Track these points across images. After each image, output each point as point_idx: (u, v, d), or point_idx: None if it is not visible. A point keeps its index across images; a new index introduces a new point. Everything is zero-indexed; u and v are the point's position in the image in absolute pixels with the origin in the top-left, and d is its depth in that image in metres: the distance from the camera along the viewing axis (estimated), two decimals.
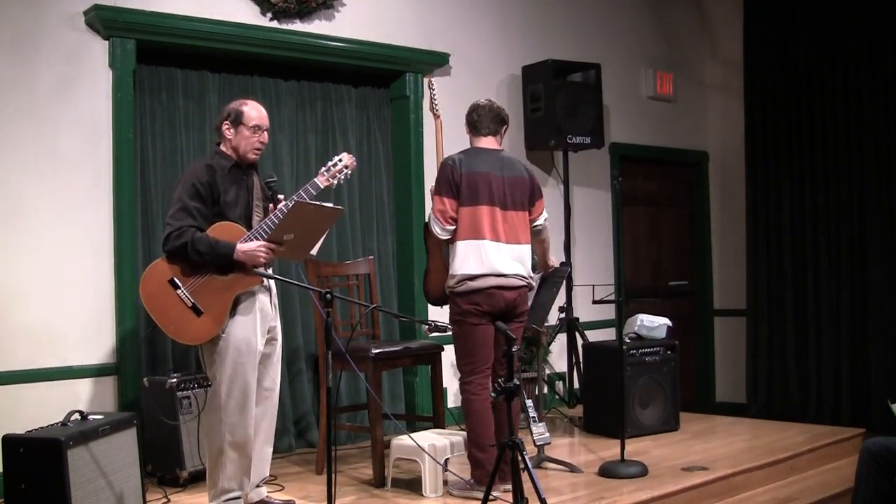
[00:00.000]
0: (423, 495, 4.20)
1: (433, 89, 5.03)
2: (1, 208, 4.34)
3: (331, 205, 3.99)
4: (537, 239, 4.43)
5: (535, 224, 4.35)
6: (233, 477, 3.78)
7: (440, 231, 4.18)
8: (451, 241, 4.19)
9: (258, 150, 3.90)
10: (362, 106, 5.85)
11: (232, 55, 5.19)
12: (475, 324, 4.09)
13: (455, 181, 4.15)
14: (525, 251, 4.24)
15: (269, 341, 3.92)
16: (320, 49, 5.41)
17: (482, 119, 4.27)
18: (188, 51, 5.02)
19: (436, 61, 5.94)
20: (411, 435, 4.25)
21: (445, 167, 4.22)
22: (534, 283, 4.34)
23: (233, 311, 3.76)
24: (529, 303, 4.36)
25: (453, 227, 4.16)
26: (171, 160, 4.97)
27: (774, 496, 4.60)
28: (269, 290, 3.94)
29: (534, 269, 4.45)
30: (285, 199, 3.92)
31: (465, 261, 4.13)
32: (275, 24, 5.25)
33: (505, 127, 4.36)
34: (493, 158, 4.25)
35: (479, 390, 4.13)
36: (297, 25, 5.35)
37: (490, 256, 4.11)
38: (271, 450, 4.03)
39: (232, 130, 3.86)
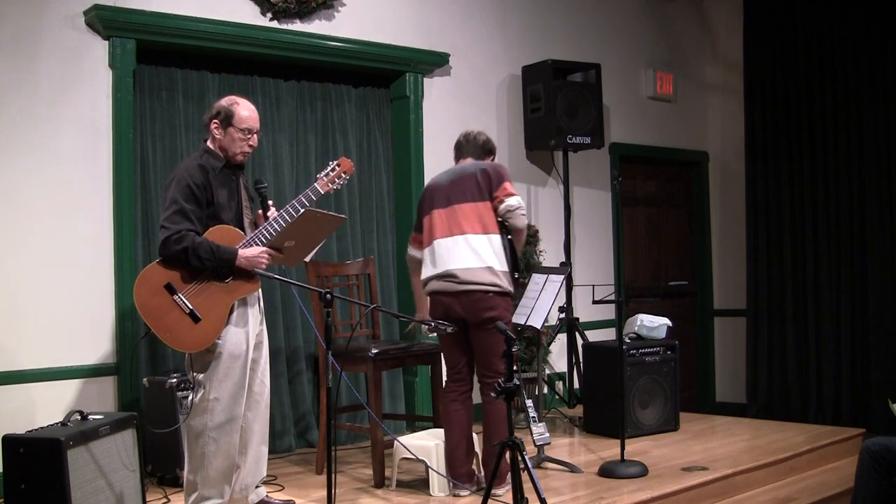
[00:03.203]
0: (429, 495, 4.22)
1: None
2: (1, 208, 4.34)
3: (335, 213, 3.97)
4: (513, 234, 4.21)
5: (500, 209, 4.14)
6: (214, 484, 3.74)
7: (409, 253, 4.42)
8: None
9: (247, 152, 3.84)
10: (362, 106, 5.85)
11: (232, 55, 5.19)
12: None
13: (419, 214, 4.35)
14: (476, 241, 4.09)
15: (257, 346, 3.87)
16: (320, 49, 5.41)
17: (468, 145, 4.38)
18: (188, 51, 5.02)
19: (436, 61, 5.94)
20: (402, 441, 4.27)
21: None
22: (504, 286, 4.08)
23: (227, 318, 3.71)
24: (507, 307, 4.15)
25: (419, 249, 4.33)
26: (171, 160, 4.97)
27: (774, 496, 4.60)
28: (258, 297, 3.91)
29: (534, 268, 4.43)
30: (274, 205, 3.90)
31: (423, 266, 4.27)
32: (275, 24, 5.25)
33: (492, 157, 4.41)
34: (449, 172, 4.32)
35: (448, 400, 4.24)
36: (297, 25, 5.35)
37: (435, 254, 4.17)
38: (266, 449, 4.01)
39: (221, 130, 3.79)
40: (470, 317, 4.04)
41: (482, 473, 4.26)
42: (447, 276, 4.09)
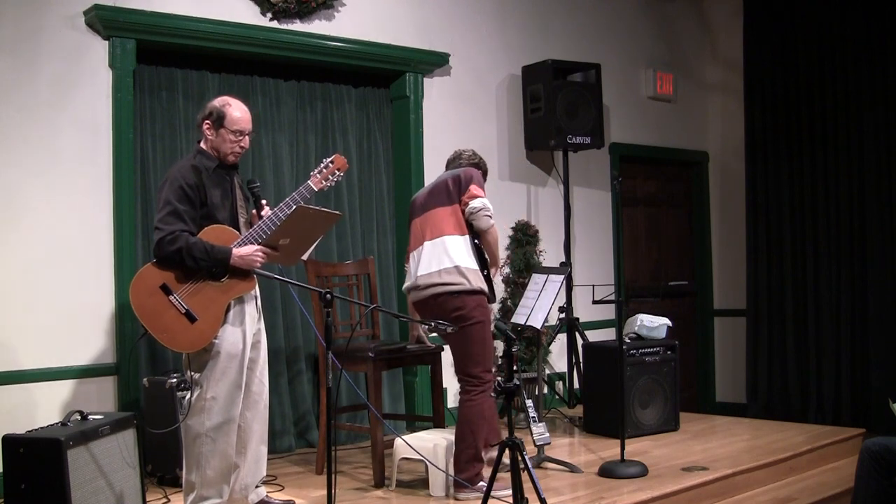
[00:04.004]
0: (429, 495, 4.22)
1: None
2: (1, 208, 4.34)
3: (329, 210, 3.96)
4: (480, 236, 4.23)
5: (465, 211, 4.18)
6: (213, 484, 3.74)
7: (406, 267, 4.48)
8: None
9: (238, 153, 3.83)
10: (362, 106, 5.85)
11: (232, 55, 5.19)
12: None
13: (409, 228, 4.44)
14: (446, 242, 4.14)
15: (255, 345, 3.87)
16: (320, 49, 5.41)
17: (455, 160, 4.51)
18: (188, 51, 5.02)
19: (436, 61, 5.94)
20: (406, 439, 4.26)
21: None
22: (471, 284, 4.08)
23: (224, 318, 3.71)
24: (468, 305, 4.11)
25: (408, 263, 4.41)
26: (170, 160, 4.95)
27: (774, 496, 4.60)
28: (255, 296, 3.90)
29: (534, 268, 4.43)
30: (269, 204, 3.90)
31: None
32: (275, 24, 5.25)
33: (480, 171, 4.42)
34: (429, 184, 4.39)
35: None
36: (297, 25, 5.35)
37: (413, 265, 4.25)
38: (266, 449, 4.01)
39: (213, 131, 3.78)
40: (446, 316, 4.03)
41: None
42: (413, 287, 4.21)
